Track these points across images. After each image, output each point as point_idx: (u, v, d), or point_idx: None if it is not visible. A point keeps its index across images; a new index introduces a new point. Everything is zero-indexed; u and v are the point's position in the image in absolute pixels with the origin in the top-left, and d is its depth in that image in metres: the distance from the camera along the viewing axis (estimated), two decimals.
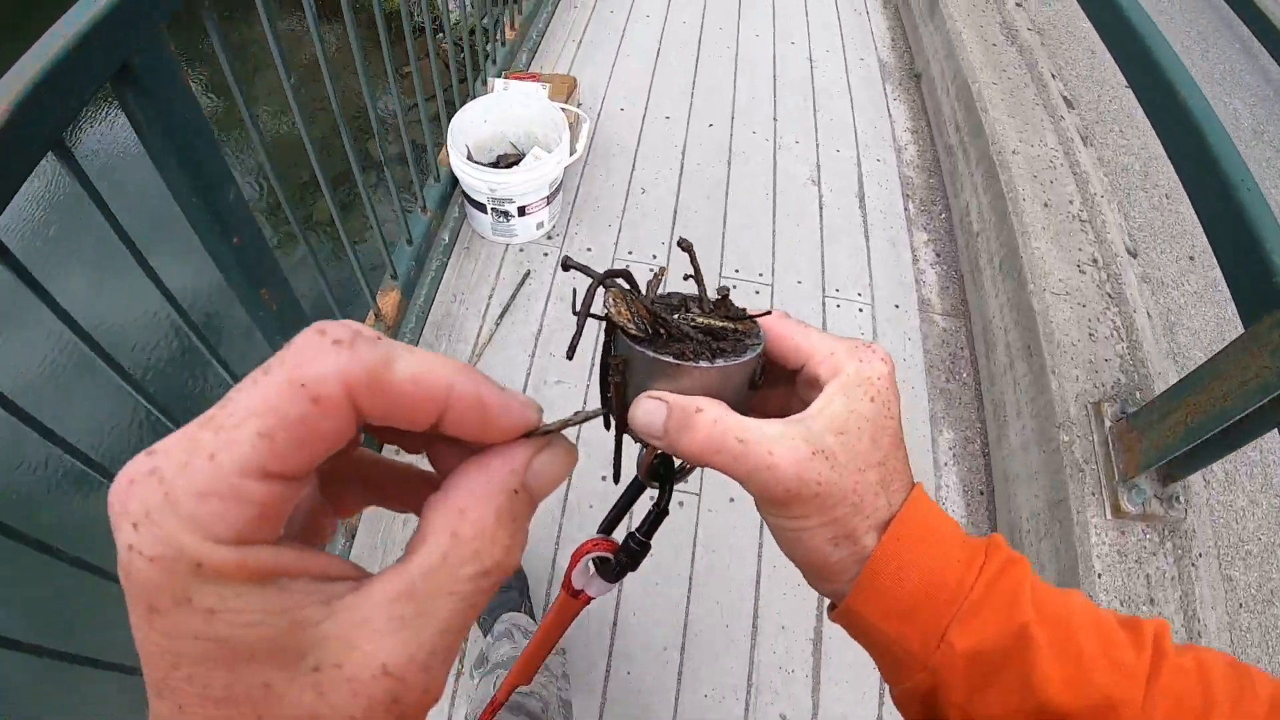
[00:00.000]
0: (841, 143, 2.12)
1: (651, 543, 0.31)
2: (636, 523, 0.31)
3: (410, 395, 0.16)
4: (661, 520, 0.31)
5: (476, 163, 1.78)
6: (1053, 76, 2.27)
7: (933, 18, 2.42)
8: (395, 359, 0.16)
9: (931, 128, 2.24)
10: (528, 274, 1.70)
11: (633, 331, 0.25)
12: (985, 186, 1.90)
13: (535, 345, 1.60)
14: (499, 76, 1.88)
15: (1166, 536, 1.41)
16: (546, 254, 1.74)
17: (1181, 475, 1.36)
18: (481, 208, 1.64)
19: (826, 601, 0.29)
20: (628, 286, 0.26)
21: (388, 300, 1.49)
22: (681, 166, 1.97)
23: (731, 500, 1.49)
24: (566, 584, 0.34)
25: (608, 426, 0.27)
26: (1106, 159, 2.40)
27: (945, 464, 1.64)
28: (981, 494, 1.65)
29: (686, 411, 0.24)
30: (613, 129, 2.05)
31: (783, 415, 0.25)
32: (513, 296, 1.66)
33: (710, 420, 0.24)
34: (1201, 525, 1.39)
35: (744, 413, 0.25)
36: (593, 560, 0.33)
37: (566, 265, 0.26)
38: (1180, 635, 1.33)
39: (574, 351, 0.24)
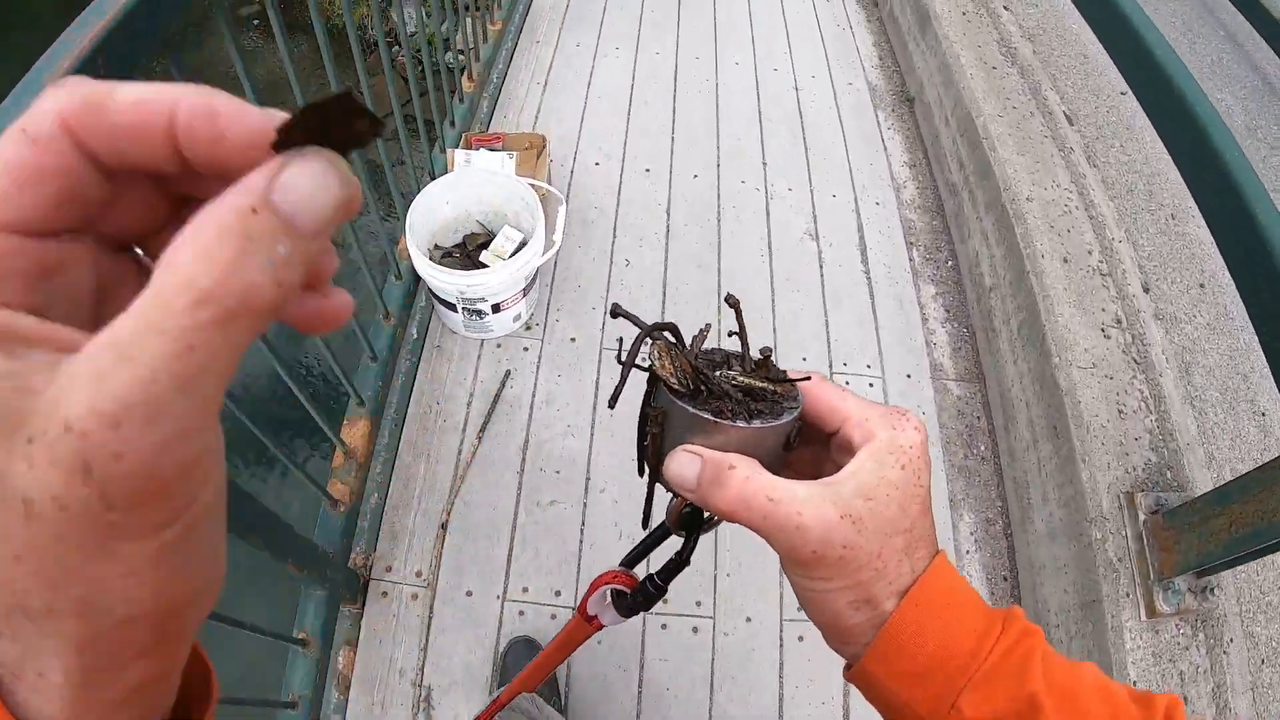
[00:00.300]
0: (837, 185, 1.99)
1: (669, 588, 0.33)
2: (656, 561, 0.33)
3: (132, 116, 0.15)
4: (681, 569, 0.32)
5: (440, 247, 1.62)
6: (1059, 100, 2.16)
7: (924, 35, 2.28)
8: (118, 88, 0.15)
9: (931, 161, 2.12)
10: (508, 374, 1.56)
11: (674, 386, 0.26)
12: (998, 238, 1.80)
13: (523, 460, 1.46)
14: (458, 144, 1.69)
15: (1199, 628, 1.36)
16: (527, 348, 1.60)
17: (1218, 570, 1.30)
18: (452, 306, 1.49)
19: (847, 675, 0.30)
20: (673, 340, 0.27)
21: (355, 432, 1.34)
22: (667, 229, 1.82)
23: (748, 620, 1.40)
24: (582, 608, 0.36)
25: (641, 473, 0.29)
26: (1110, 180, 2.32)
27: (968, 551, 1.57)
28: (1005, 579, 1.58)
29: (720, 467, 0.25)
30: (589, 187, 1.88)
31: (815, 475, 0.27)
32: (493, 405, 1.52)
33: (742, 478, 0.25)
34: (1228, 599, 1.34)
35: (777, 472, 0.26)
36: (610, 591, 0.35)
37: (615, 313, 0.27)
38: None
39: (616, 401, 0.26)
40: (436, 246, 1.60)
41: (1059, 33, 2.76)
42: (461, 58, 1.92)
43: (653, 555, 0.34)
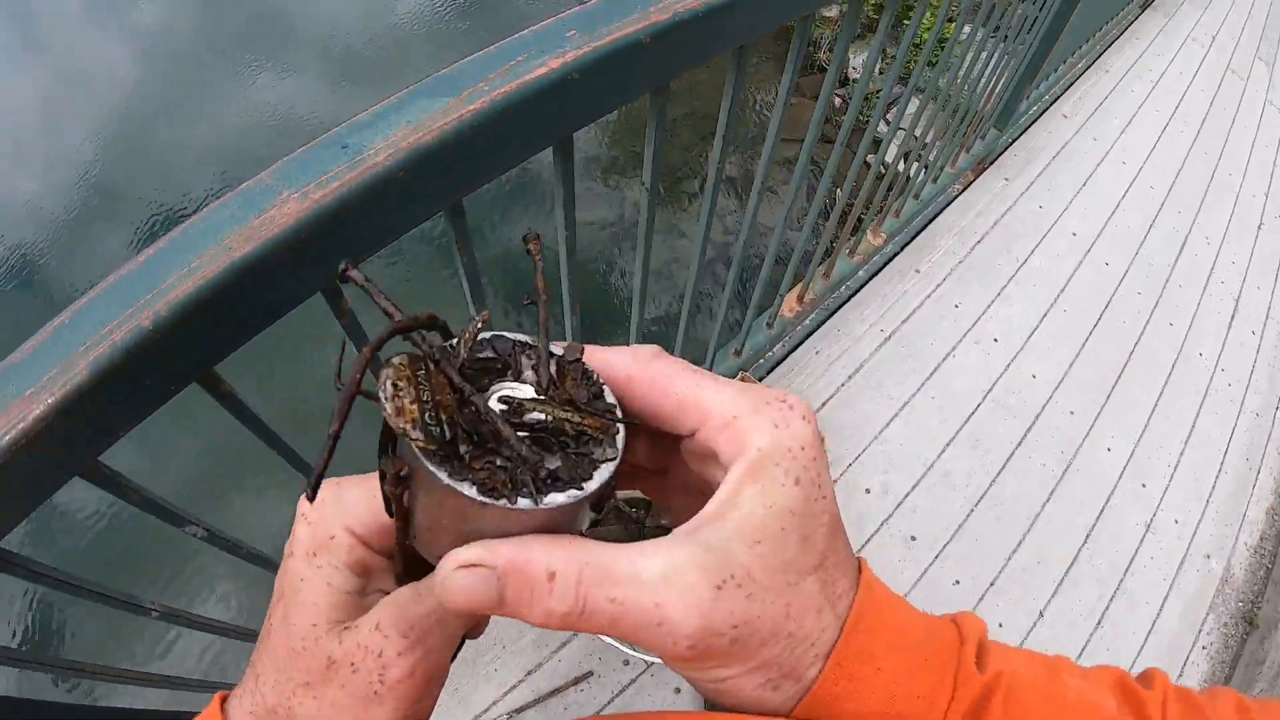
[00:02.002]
0: None
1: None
2: None
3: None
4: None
5: None
6: None
7: None
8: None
9: None
10: (588, 676, 1.33)
11: (417, 440, 0.18)
12: None
13: None
14: (738, 372, 1.34)
15: None
16: (628, 662, 1.35)
17: None
18: None
19: None
20: (430, 346, 0.19)
21: None
22: None
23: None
24: None
25: (401, 540, 0.22)
26: None
27: None
28: None
29: (531, 581, 0.19)
30: (846, 516, 1.52)
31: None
32: (546, 695, 1.31)
33: (572, 585, 0.19)
34: None
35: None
36: None
37: (344, 276, 0.21)
38: None
39: (316, 488, 0.18)
40: None
41: None
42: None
43: None
